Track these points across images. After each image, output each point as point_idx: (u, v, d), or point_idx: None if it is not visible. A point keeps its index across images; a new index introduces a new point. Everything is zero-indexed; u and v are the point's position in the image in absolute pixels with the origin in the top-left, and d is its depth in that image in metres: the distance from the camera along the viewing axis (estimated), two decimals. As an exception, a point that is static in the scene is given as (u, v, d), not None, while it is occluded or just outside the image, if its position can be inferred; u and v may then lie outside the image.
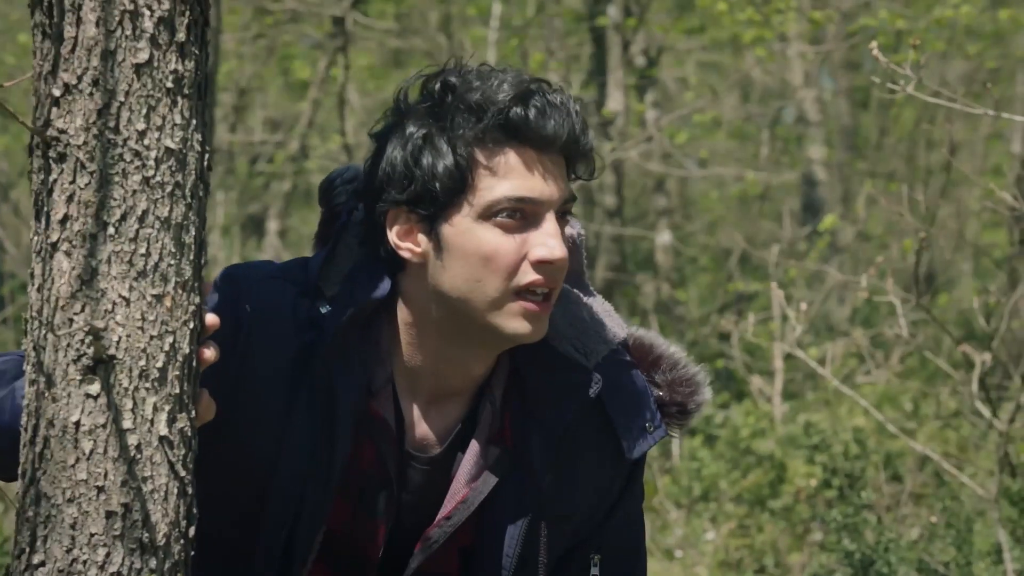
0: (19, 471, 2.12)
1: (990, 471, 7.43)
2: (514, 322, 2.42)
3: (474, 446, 2.52)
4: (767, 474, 7.75)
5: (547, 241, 2.40)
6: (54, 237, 2.07)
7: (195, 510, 2.14)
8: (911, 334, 7.54)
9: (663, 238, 13.61)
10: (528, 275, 2.40)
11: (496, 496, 2.52)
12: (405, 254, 2.45)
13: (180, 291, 2.09)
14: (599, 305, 2.64)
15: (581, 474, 2.57)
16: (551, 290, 2.43)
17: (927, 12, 11.95)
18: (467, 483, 2.52)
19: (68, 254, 2.06)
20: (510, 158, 2.41)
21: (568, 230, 2.60)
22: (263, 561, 2.48)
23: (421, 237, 2.43)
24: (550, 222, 2.41)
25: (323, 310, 2.45)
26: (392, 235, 2.45)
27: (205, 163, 2.12)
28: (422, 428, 2.52)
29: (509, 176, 2.40)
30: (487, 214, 2.40)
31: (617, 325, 2.62)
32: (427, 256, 2.43)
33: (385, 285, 2.45)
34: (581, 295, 2.62)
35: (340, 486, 2.48)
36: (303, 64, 14.88)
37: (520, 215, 2.40)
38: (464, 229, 2.41)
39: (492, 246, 2.40)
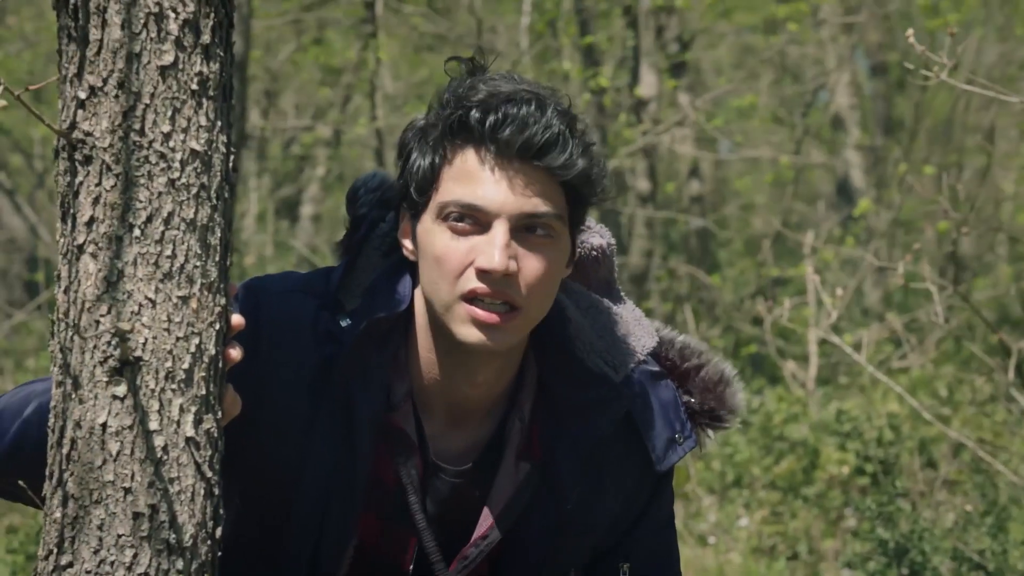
0: (46, 473, 2.12)
1: (1025, 458, 7.40)
2: (463, 328, 2.39)
3: (506, 464, 2.51)
4: (800, 460, 7.73)
5: (487, 250, 2.36)
6: (80, 239, 2.07)
7: (221, 511, 2.14)
8: (946, 319, 7.51)
9: (696, 223, 13.57)
10: (470, 282, 2.37)
11: (525, 509, 2.52)
12: (405, 252, 2.47)
13: (206, 292, 2.10)
14: (629, 313, 2.62)
15: (608, 485, 2.56)
16: (509, 302, 2.38)
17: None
18: (501, 501, 2.51)
19: (94, 256, 2.06)
20: (469, 161, 2.38)
21: (596, 240, 2.59)
22: (289, 573, 2.49)
23: (410, 237, 2.46)
24: (498, 231, 2.36)
25: (343, 323, 2.45)
26: (400, 232, 2.48)
27: (230, 165, 2.12)
28: (446, 441, 2.52)
29: (463, 180, 2.38)
30: (440, 215, 2.39)
31: (647, 334, 2.60)
32: (416, 256, 2.45)
33: (403, 299, 2.45)
34: (611, 305, 2.60)
35: (366, 500, 2.48)
36: (333, 49, 14.88)
37: (472, 220, 2.37)
38: (427, 229, 2.41)
39: (441, 248, 2.39)
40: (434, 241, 2.39)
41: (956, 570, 5.90)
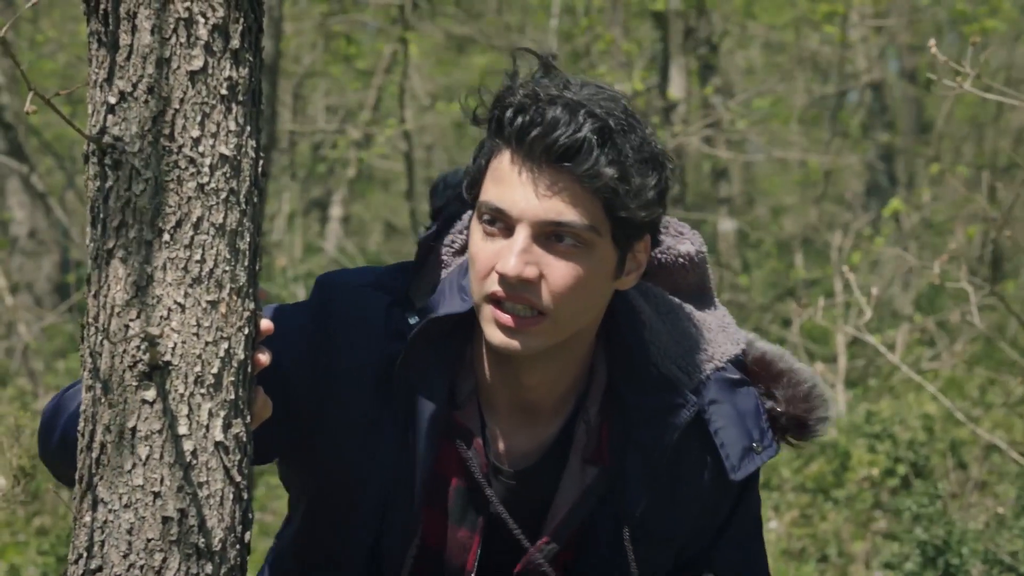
0: (76, 476, 2.13)
1: (1057, 460, 7.36)
2: (488, 328, 2.39)
3: (572, 467, 2.49)
4: (830, 462, 7.71)
5: (504, 254, 2.35)
6: (110, 244, 2.07)
7: (251, 515, 2.15)
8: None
9: (726, 224, 13.55)
10: (492, 284, 2.36)
11: (595, 514, 2.50)
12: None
13: (235, 297, 2.10)
14: (716, 319, 2.59)
15: (683, 494, 2.53)
16: (534, 307, 2.36)
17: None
18: (565, 505, 2.50)
19: (124, 261, 2.07)
20: (503, 163, 2.37)
21: (685, 247, 2.57)
22: (347, 567, 2.50)
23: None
24: (519, 237, 2.34)
25: (411, 321, 2.45)
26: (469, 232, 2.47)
27: (259, 169, 2.13)
28: (509, 441, 2.51)
29: (496, 181, 2.37)
30: (478, 216, 2.39)
31: (731, 341, 2.57)
32: None
33: (467, 298, 2.44)
34: (695, 309, 2.58)
35: (429, 498, 2.48)
36: (362, 50, 14.90)
37: (501, 224, 2.36)
38: (471, 228, 2.42)
39: (474, 249, 2.39)
40: (472, 241, 2.40)
41: (988, 572, 5.87)
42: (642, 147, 2.36)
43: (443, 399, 2.45)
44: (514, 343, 2.37)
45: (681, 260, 2.58)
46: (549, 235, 2.35)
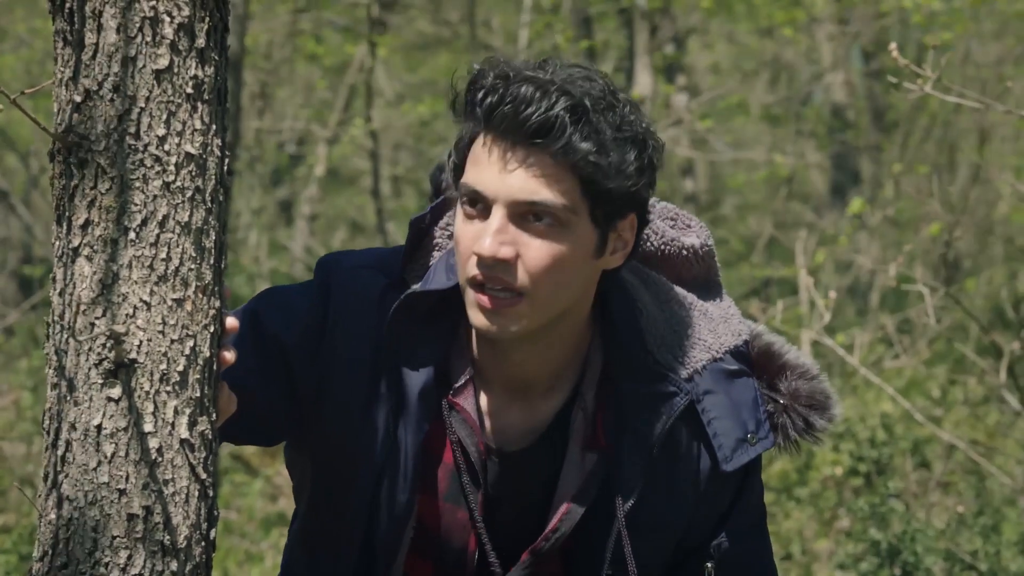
0: (42, 474, 2.13)
1: (1019, 459, 7.42)
2: (471, 312, 2.39)
3: (572, 455, 2.49)
4: (794, 461, 7.74)
5: (480, 235, 2.35)
6: (75, 242, 2.08)
7: (216, 512, 2.15)
8: (938, 319, 7.52)
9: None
10: (472, 268, 2.37)
11: (594, 503, 2.50)
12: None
13: (200, 295, 2.11)
14: (720, 310, 2.59)
15: (677, 483, 2.52)
16: (510, 289, 2.36)
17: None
18: (569, 493, 2.49)
19: (89, 259, 2.07)
20: (478, 146, 2.38)
21: (690, 239, 2.58)
22: (345, 550, 2.51)
23: None
24: (495, 217, 2.35)
25: None
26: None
27: (225, 168, 2.13)
28: (502, 419, 2.50)
29: (473, 164, 2.38)
30: (460, 200, 2.40)
31: (731, 332, 2.56)
32: None
33: (452, 277, 2.44)
34: (697, 299, 2.57)
35: (425, 480, 2.49)
36: (328, 49, 14.88)
37: (481, 205, 2.37)
38: (456, 212, 2.42)
39: (457, 232, 2.40)
40: (455, 224, 2.41)
41: (949, 571, 5.92)
42: (621, 125, 2.36)
43: (431, 377, 2.45)
44: (493, 326, 2.38)
45: (685, 252, 2.58)
46: (525, 215, 2.35)
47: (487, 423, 2.50)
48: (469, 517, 2.51)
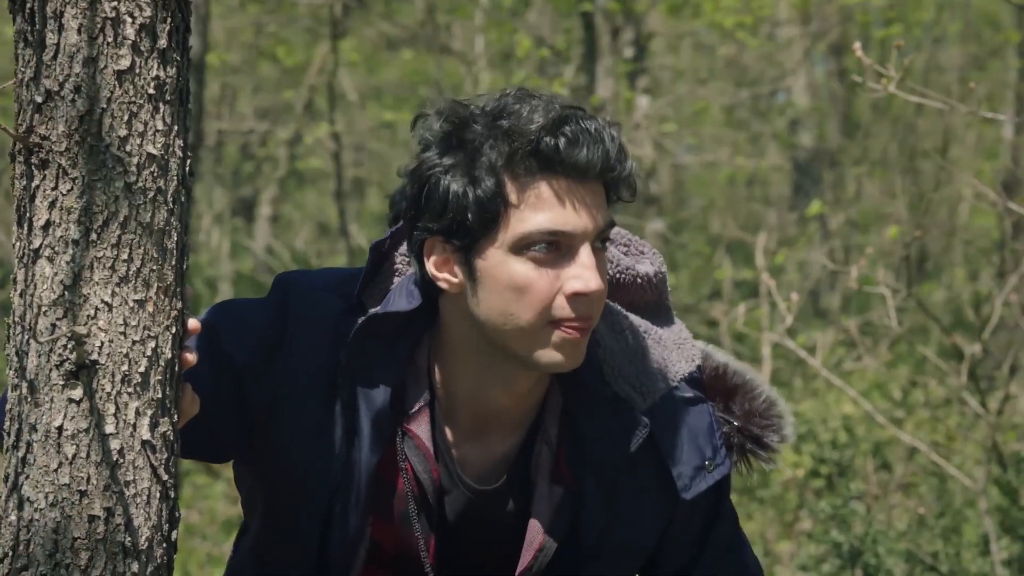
0: (2, 476, 2.13)
1: (979, 461, 7.45)
2: (549, 353, 2.35)
3: (540, 489, 2.49)
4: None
5: (582, 274, 2.32)
6: (36, 243, 2.07)
7: (177, 513, 2.15)
8: (900, 321, 7.55)
9: (654, 225, 13.61)
10: (563, 310, 2.33)
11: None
12: (443, 284, 2.40)
13: (162, 296, 2.10)
14: (672, 336, 2.59)
15: (643, 512, 2.53)
16: (591, 318, 2.36)
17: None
18: (542, 528, 2.49)
19: (51, 260, 2.06)
20: (542, 189, 2.32)
21: (644, 267, 2.58)
22: (299, 566, 2.51)
23: (457, 268, 2.38)
24: (585, 254, 2.33)
25: None
26: (430, 265, 2.40)
27: (187, 169, 2.13)
28: (463, 453, 2.49)
29: (541, 208, 2.32)
30: (519, 247, 2.33)
31: (685, 359, 2.56)
32: (463, 287, 2.38)
33: (412, 301, 2.42)
34: (651, 326, 2.57)
35: (377, 503, 2.48)
36: (291, 49, 14.85)
37: (554, 248, 2.33)
38: (497, 262, 2.34)
39: (525, 280, 2.33)
40: (513, 274, 2.34)
41: (910, 572, 5.94)
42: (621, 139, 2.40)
43: (387, 402, 2.44)
44: (575, 361, 2.38)
45: (640, 280, 2.58)
46: (596, 243, 2.37)
47: (447, 453, 2.49)
48: (425, 540, 2.50)
